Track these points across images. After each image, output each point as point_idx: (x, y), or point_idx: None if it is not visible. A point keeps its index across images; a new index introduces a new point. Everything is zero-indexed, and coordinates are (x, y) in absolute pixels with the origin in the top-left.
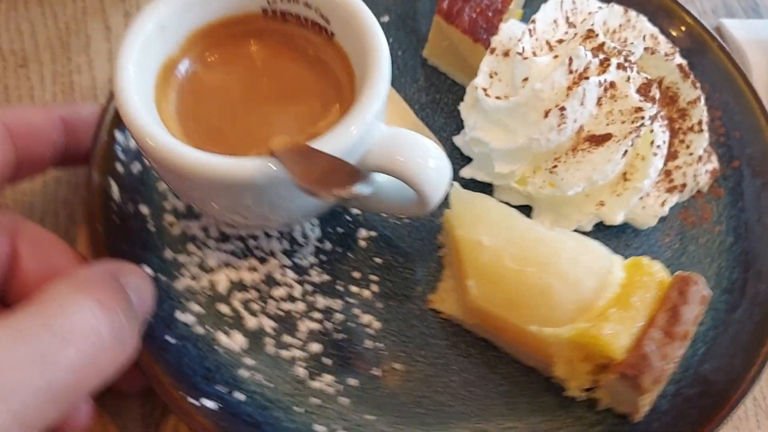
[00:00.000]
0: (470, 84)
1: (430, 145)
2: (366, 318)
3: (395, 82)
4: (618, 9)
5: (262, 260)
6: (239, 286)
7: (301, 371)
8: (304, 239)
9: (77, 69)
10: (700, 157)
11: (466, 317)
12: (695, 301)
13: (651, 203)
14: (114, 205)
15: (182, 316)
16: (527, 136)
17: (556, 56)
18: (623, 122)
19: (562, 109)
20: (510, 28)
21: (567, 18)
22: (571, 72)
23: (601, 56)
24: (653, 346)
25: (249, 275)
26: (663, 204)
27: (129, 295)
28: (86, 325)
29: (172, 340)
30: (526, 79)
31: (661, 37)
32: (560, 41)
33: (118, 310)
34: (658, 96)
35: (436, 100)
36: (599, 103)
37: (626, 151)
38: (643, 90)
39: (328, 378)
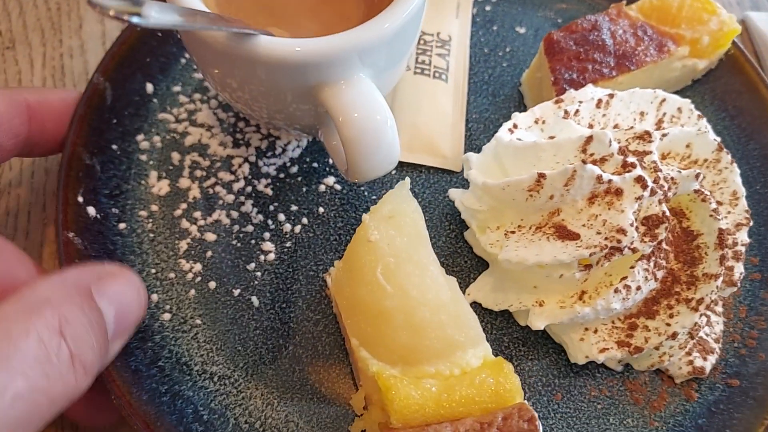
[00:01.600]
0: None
1: (389, 129)
2: (267, 246)
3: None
4: (711, 140)
5: (236, 143)
6: (201, 147)
7: (183, 245)
8: (281, 151)
9: (68, 52)
10: (679, 341)
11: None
12: None
13: (591, 341)
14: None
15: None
16: (504, 179)
17: (590, 126)
18: (599, 233)
19: (542, 175)
20: (586, 92)
21: (652, 115)
22: (584, 151)
23: (631, 159)
24: None
25: (216, 145)
26: (602, 351)
27: (99, 311)
28: (34, 352)
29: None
30: (553, 137)
31: (738, 200)
32: (615, 126)
33: (81, 331)
34: (663, 238)
35: (491, 119)
36: (591, 199)
37: (589, 266)
38: (649, 222)
39: (197, 267)
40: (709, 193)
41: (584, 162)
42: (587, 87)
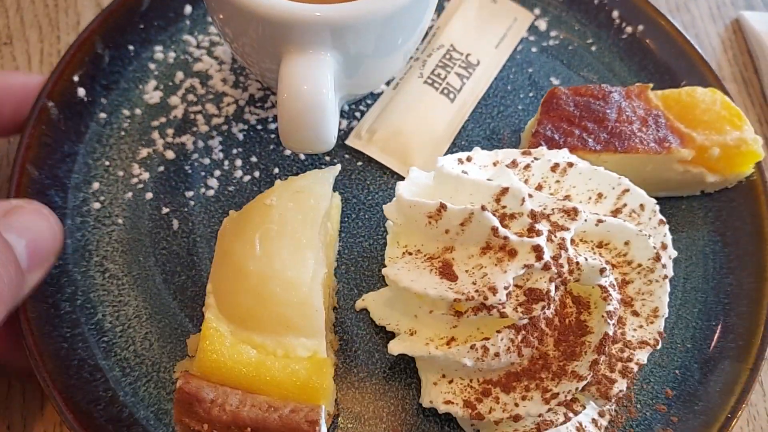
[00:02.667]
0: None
1: (321, 112)
2: (212, 182)
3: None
4: (650, 247)
5: (236, 84)
6: (204, 76)
7: (144, 152)
8: (270, 106)
9: (66, 49)
10: (524, 426)
11: None
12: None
13: (442, 389)
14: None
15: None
16: (414, 198)
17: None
18: (474, 284)
19: (443, 206)
20: (548, 152)
21: (611, 201)
22: (497, 200)
23: (542, 227)
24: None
25: (218, 79)
26: (446, 402)
27: (8, 244)
28: None
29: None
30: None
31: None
32: (566, 197)
33: None
34: (538, 315)
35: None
36: (485, 250)
37: (459, 314)
38: (530, 294)
39: (145, 175)
40: (613, 294)
41: (486, 210)
42: (559, 150)
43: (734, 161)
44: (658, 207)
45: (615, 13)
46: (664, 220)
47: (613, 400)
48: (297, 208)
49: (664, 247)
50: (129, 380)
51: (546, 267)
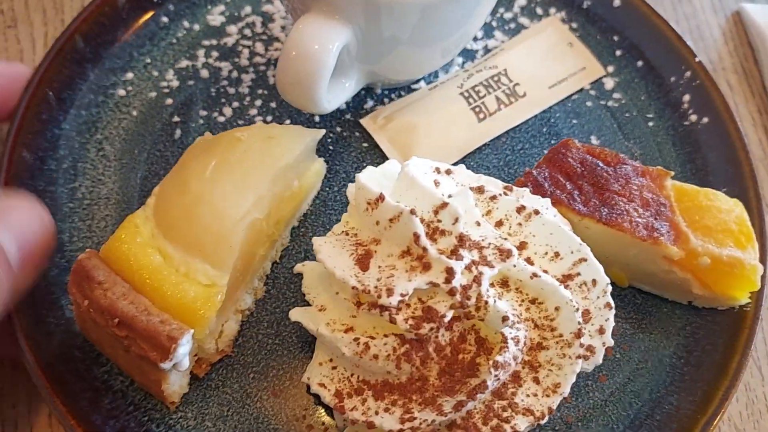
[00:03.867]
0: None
1: (312, 70)
2: (227, 112)
3: None
4: (575, 321)
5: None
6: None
7: (183, 63)
8: None
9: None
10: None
11: None
12: None
13: (323, 371)
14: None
15: None
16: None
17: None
18: (378, 280)
19: (381, 197)
20: (523, 195)
21: (566, 265)
22: (435, 212)
23: (465, 253)
24: None
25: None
26: (320, 385)
27: None
28: None
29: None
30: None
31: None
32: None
33: None
34: (425, 334)
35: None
36: (403, 254)
37: (359, 304)
38: (425, 312)
39: (174, 83)
40: (511, 347)
41: (414, 214)
42: (542, 198)
43: (724, 280)
44: (610, 288)
45: (686, 97)
46: (612, 304)
47: None
48: (261, 150)
49: (601, 331)
50: (73, 248)
51: (451, 292)
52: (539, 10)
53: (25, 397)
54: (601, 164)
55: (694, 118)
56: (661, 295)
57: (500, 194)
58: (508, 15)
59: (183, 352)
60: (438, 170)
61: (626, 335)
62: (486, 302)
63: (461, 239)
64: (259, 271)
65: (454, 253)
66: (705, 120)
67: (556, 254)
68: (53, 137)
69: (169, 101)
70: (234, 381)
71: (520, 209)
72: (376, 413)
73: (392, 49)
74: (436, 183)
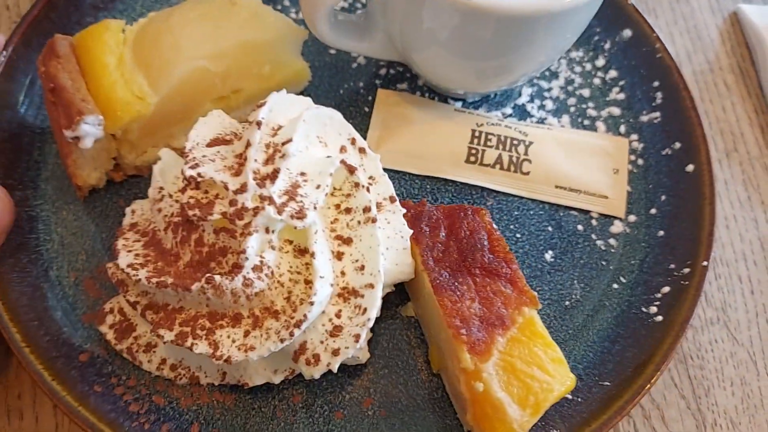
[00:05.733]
0: None
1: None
2: None
3: None
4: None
5: None
6: None
7: None
8: None
9: None
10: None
11: None
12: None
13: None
14: None
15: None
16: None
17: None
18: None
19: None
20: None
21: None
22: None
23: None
24: None
25: None
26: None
27: None
28: None
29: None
30: None
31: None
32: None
33: None
34: (191, 216)
35: None
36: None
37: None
38: (202, 203)
39: None
40: (246, 268)
41: (263, 132)
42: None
43: (485, 419)
44: (370, 324)
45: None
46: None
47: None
48: (243, 19)
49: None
50: None
51: (232, 202)
52: (622, 128)
53: (30, 387)
54: (486, 246)
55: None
56: (453, 403)
57: (364, 186)
58: (591, 112)
59: (86, 129)
60: (354, 141)
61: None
62: (250, 232)
63: (275, 174)
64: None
65: (264, 179)
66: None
67: (362, 267)
68: None
69: None
70: None
71: (366, 209)
72: (137, 264)
73: (424, 43)
74: (343, 149)
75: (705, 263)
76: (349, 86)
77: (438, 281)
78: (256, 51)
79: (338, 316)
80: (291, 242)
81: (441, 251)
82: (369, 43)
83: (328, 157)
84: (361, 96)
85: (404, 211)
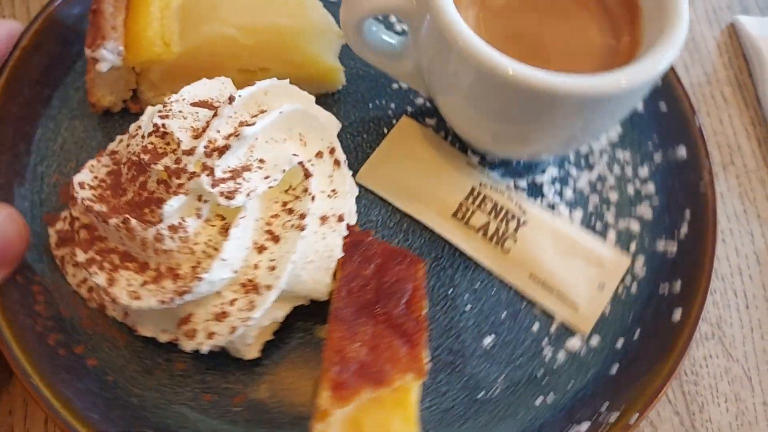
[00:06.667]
0: None
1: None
2: None
3: None
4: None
5: None
6: None
7: None
8: None
9: None
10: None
11: None
12: None
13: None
14: None
15: None
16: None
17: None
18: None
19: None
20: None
21: None
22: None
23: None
24: None
25: None
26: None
27: None
28: None
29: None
30: None
31: None
32: None
33: None
34: (140, 160)
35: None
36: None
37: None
38: (155, 151)
39: None
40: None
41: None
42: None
43: None
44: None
45: None
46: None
47: None
48: (285, 3)
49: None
50: None
51: (177, 161)
52: (632, 247)
53: (21, 403)
54: (405, 300)
55: None
56: None
57: (311, 195)
58: (609, 219)
59: (104, 54)
60: (332, 151)
61: None
62: (178, 192)
63: (224, 149)
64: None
65: (214, 150)
66: None
67: (273, 268)
68: None
69: None
70: None
71: (302, 216)
72: (88, 185)
73: (447, 87)
74: (319, 154)
75: (635, 419)
76: (380, 104)
77: (340, 312)
78: (288, 36)
79: (232, 303)
80: (222, 219)
81: (360, 286)
82: (399, 66)
83: (294, 155)
84: (386, 117)
85: (346, 233)
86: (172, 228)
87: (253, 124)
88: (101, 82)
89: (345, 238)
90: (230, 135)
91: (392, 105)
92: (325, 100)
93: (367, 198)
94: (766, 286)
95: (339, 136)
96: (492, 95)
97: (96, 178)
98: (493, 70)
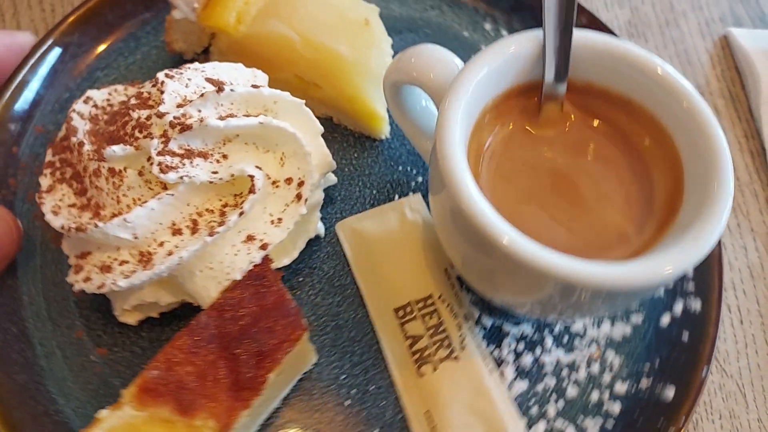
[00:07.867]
0: None
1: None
2: None
3: None
4: None
5: None
6: None
7: None
8: None
9: None
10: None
11: None
12: None
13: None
14: None
15: None
16: None
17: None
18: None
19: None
20: None
21: None
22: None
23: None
24: None
25: None
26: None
27: None
28: None
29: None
30: None
31: None
32: None
33: None
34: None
35: None
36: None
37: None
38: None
39: None
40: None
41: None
42: None
43: None
44: None
45: None
46: None
47: None
48: (355, 35)
49: None
50: None
51: (159, 114)
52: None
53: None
54: (262, 354)
55: None
56: None
57: (241, 211)
58: (550, 411)
59: (179, 3)
60: (301, 183)
61: None
62: (132, 143)
63: (187, 127)
64: None
65: (179, 124)
66: None
67: (170, 253)
68: None
69: None
70: None
71: (219, 224)
72: (81, 116)
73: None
74: (289, 180)
75: None
76: (408, 171)
77: (197, 327)
78: (342, 65)
79: (121, 264)
80: (164, 189)
81: (232, 316)
82: (420, 142)
83: (257, 167)
84: (405, 185)
85: (258, 263)
86: (112, 171)
87: (230, 116)
88: (176, 27)
89: (255, 266)
90: (203, 119)
91: (419, 179)
92: (364, 140)
93: (333, 248)
94: (761, 301)
95: (350, 179)
96: (485, 255)
97: (94, 110)
98: (488, 237)
